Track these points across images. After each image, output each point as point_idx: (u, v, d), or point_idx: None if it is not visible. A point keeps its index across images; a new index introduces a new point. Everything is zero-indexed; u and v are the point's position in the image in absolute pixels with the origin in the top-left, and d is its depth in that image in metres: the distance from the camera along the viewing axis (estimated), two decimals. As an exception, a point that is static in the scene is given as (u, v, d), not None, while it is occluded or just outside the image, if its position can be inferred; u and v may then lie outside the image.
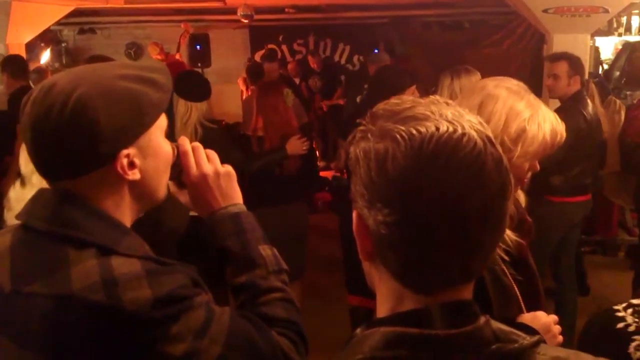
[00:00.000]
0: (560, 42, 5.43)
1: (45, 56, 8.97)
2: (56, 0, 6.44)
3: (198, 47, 9.26)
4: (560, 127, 1.58)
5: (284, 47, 11.14)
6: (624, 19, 9.15)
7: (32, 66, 7.18)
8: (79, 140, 1.09)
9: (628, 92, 6.48)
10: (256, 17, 8.11)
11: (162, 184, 1.26)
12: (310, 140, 4.20)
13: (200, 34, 9.58)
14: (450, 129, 0.76)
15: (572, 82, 3.96)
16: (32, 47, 7.67)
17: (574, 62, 4.00)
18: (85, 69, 1.18)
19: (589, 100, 4.04)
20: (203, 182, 1.33)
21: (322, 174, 4.58)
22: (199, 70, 7.88)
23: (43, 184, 1.18)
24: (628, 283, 4.77)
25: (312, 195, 5.14)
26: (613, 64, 8.72)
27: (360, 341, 0.80)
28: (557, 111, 2.27)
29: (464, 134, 0.76)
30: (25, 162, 2.19)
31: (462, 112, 0.81)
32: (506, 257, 1.58)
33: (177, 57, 8.60)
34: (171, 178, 1.30)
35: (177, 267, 1.16)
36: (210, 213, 1.34)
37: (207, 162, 1.35)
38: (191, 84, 3.72)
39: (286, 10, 8.81)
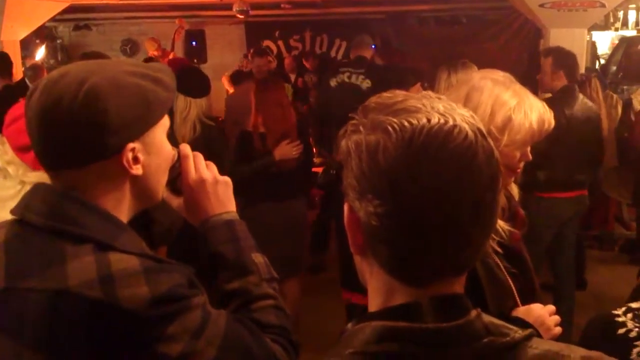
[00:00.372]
0: (556, 37, 5.43)
1: (41, 53, 8.94)
2: (51, -3, 6.42)
3: (194, 43, 9.26)
4: (548, 115, 1.59)
5: (280, 42, 11.13)
6: (620, 14, 9.17)
7: (27, 63, 7.19)
8: (88, 129, 1.10)
9: (625, 87, 6.49)
10: (252, 12, 8.10)
11: (161, 184, 1.26)
12: (306, 136, 4.19)
13: (196, 30, 9.57)
14: (442, 120, 0.76)
15: (556, 77, 3.96)
16: (27, 43, 7.66)
17: (559, 58, 4.01)
18: (94, 63, 1.20)
19: (580, 97, 4.02)
20: (201, 187, 1.34)
21: (314, 169, 4.57)
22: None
23: (19, 174, 1.17)
24: (625, 277, 4.78)
25: (309, 191, 5.13)
26: (610, 58, 8.75)
27: (351, 336, 0.80)
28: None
29: (455, 126, 0.76)
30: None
31: (454, 105, 0.81)
32: (500, 250, 1.58)
33: (172, 55, 8.57)
34: (167, 181, 1.30)
35: (174, 266, 1.16)
36: (204, 219, 1.34)
37: (206, 168, 1.36)
38: (191, 79, 3.71)
39: (282, 5, 8.79)
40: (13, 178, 1.70)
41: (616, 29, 9.45)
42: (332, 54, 11.35)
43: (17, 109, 1.67)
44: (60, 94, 1.10)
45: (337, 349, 0.80)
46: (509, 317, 1.54)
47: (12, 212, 1.17)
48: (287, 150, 3.86)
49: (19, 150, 1.62)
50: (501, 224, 1.58)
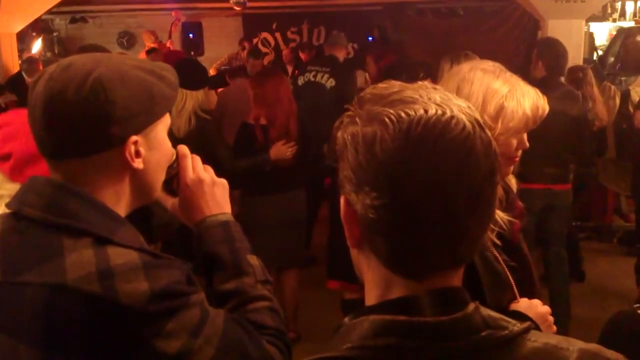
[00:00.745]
0: (554, 28, 5.42)
1: (37, 46, 8.91)
2: (47, -11, 6.38)
3: (191, 35, 9.23)
4: (542, 102, 1.59)
5: (277, 34, 11.09)
6: (618, 5, 9.16)
7: (24, 56, 7.16)
8: (93, 118, 1.10)
9: (623, 78, 6.48)
10: (249, 4, 8.06)
11: (160, 181, 1.26)
12: (306, 128, 4.18)
13: (193, 22, 9.53)
14: (439, 111, 0.76)
15: (535, 67, 4.00)
16: (24, 36, 7.63)
17: (541, 49, 4.04)
18: (100, 55, 1.20)
19: (561, 90, 3.99)
20: (198, 187, 1.34)
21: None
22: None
23: None
24: (623, 269, 4.79)
25: (321, 184, 5.15)
26: (607, 49, 8.73)
27: (349, 330, 0.79)
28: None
29: (452, 117, 0.76)
30: None
31: (450, 96, 0.80)
32: (498, 242, 1.57)
33: (169, 44, 8.54)
34: (163, 181, 1.30)
35: (173, 262, 1.15)
36: (200, 219, 1.34)
37: (203, 169, 1.37)
38: (187, 71, 3.68)
39: (279, -3, 8.77)
40: None
41: (614, 20, 9.43)
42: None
43: (1, 119, 1.65)
44: (66, 82, 1.10)
45: (334, 343, 0.79)
46: (508, 310, 1.54)
47: (8, 205, 1.16)
48: (282, 151, 3.91)
49: None
50: (500, 215, 1.58)
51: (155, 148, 1.20)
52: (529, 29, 6.89)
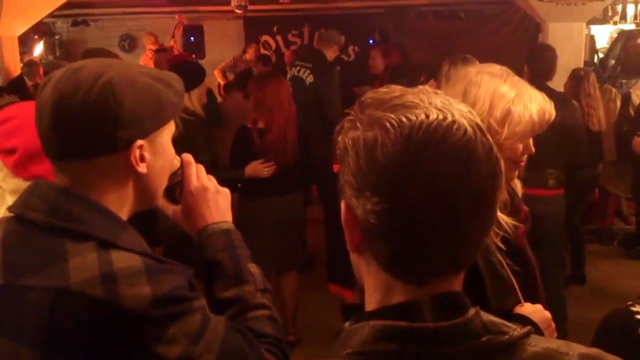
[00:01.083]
0: (555, 31, 5.42)
1: (39, 49, 8.92)
2: (49, -8, 6.38)
3: (192, 38, 9.24)
4: (549, 106, 1.59)
5: (278, 37, 11.08)
6: (619, 7, 9.14)
7: (25, 59, 7.17)
8: (100, 120, 1.11)
9: (623, 81, 6.46)
10: (250, 7, 8.04)
11: (162, 186, 1.27)
12: (305, 130, 4.18)
13: (194, 25, 9.54)
14: (440, 116, 0.76)
15: (522, 71, 3.96)
16: (25, 39, 7.63)
17: (530, 53, 4.06)
18: (110, 60, 1.23)
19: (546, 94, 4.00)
20: (202, 194, 1.36)
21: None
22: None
23: None
24: (624, 271, 4.79)
25: (307, 186, 5.13)
26: (608, 52, 8.71)
27: (349, 335, 0.79)
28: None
29: (453, 122, 0.76)
30: None
31: (452, 100, 0.80)
32: (503, 247, 1.57)
33: (172, 43, 8.55)
34: (165, 188, 1.30)
35: (175, 267, 1.16)
36: (202, 226, 1.35)
37: (207, 178, 1.39)
38: (180, 73, 3.64)
39: (280, 0, 8.75)
40: None
41: (615, 23, 9.41)
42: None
43: (5, 112, 1.66)
44: (76, 84, 1.11)
45: (335, 349, 0.79)
46: (511, 315, 1.53)
47: (10, 209, 1.16)
48: (258, 169, 3.89)
49: (4, 153, 1.60)
50: (505, 219, 1.57)
51: (159, 154, 1.21)
52: (529, 32, 6.89)
